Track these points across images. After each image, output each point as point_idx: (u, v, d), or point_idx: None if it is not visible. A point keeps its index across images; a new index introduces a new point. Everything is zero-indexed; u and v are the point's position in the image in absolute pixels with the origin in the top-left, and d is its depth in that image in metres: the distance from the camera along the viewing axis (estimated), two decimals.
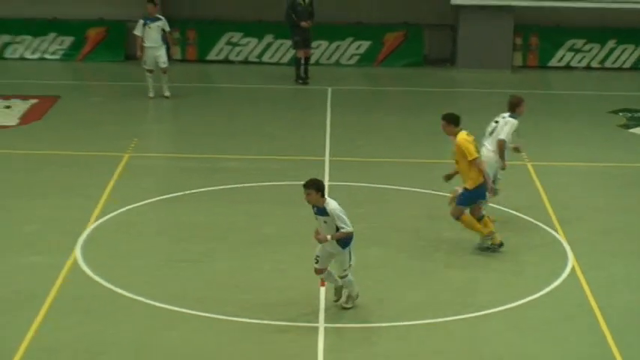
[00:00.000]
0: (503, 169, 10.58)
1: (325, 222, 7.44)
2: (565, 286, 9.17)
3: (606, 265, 9.92)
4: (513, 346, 7.86)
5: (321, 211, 7.40)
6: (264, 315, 7.92)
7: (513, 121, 10.44)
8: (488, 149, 10.38)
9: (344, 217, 7.48)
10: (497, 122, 10.64)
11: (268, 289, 8.60)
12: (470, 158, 9.46)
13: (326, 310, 8.29)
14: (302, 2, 17.25)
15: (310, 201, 7.34)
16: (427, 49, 19.46)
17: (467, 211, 9.86)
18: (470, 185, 9.44)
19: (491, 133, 10.60)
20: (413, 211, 11.46)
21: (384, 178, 12.57)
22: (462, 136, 9.52)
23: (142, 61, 15.82)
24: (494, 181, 10.33)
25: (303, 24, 16.76)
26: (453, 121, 9.66)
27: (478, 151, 9.74)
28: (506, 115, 10.59)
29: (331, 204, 7.45)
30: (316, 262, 7.66)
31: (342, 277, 7.82)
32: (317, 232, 7.60)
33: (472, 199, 9.67)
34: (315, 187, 7.38)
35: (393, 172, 12.57)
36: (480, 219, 9.87)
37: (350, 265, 7.78)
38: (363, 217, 10.20)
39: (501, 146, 10.33)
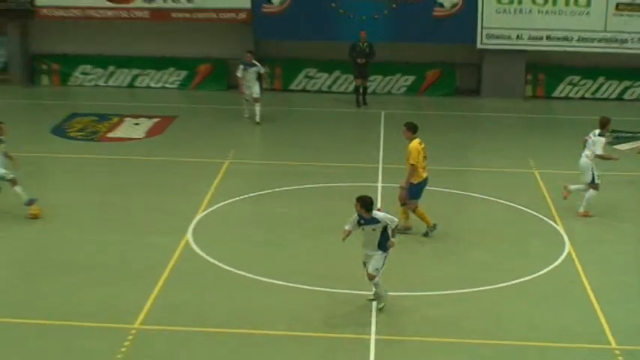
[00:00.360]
0: (616, 159, 13.53)
1: (374, 230, 8.48)
2: (562, 267, 11.21)
3: (596, 251, 12.25)
4: (522, 312, 9.88)
5: (370, 221, 8.39)
6: (336, 284, 9.75)
7: (602, 139, 12.70)
8: (585, 155, 12.76)
9: (391, 216, 8.78)
10: (589, 137, 12.87)
11: (336, 265, 10.37)
12: (410, 162, 11.14)
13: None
14: (360, 45, 20.20)
15: (356, 210, 8.40)
16: (458, 83, 22.25)
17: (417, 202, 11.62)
18: (415, 180, 11.21)
19: (585, 145, 13.00)
20: (442, 207, 13.47)
21: None
22: (415, 143, 11.22)
23: (242, 93, 18.68)
24: (593, 180, 12.64)
25: (359, 61, 19.85)
26: (411, 129, 11.33)
27: (419, 160, 11.45)
28: (597, 132, 12.83)
29: (379, 214, 8.62)
30: (365, 266, 8.79)
31: (371, 278, 8.80)
32: (392, 243, 8.70)
33: (418, 191, 11.47)
34: (360, 202, 8.47)
35: (430, 176, 13.03)
36: (403, 206, 11.67)
37: (381, 267, 8.84)
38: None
39: (602, 157, 12.66)
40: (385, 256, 8.66)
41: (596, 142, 12.97)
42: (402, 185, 11.33)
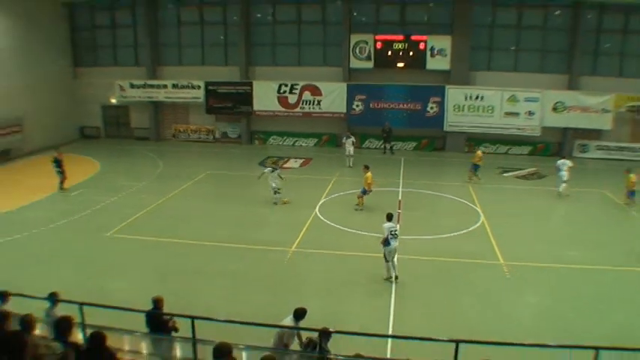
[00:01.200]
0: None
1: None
2: (478, 228, 21.01)
3: (497, 221, 21.77)
4: (452, 246, 19.14)
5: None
6: None
7: (567, 163, 25.59)
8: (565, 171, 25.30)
9: (385, 231, 15.22)
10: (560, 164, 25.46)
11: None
12: (364, 184, 22.91)
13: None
14: (385, 127, 34.34)
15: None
16: (436, 145, 36.42)
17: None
18: (367, 187, 22.83)
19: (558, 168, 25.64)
20: (417, 201, 24.68)
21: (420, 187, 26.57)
22: (369, 174, 22.81)
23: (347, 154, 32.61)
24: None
25: (384, 134, 34.65)
26: (366, 168, 23.07)
27: (369, 184, 22.87)
28: (564, 160, 25.62)
29: (384, 225, 15.18)
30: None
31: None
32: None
33: (365, 192, 22.90)
34: (386, 216, 15.38)
35: (411, 185, 25.70)
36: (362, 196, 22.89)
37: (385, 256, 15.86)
38: (416, 208, 23.45)
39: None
40: (385, 250, 16.04)
41: (566, 163, 25.48)
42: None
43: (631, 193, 24.41)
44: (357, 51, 36.09)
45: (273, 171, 24.04)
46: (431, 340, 9.82)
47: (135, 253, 18.82)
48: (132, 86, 38.51)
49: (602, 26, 35.09)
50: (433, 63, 35.93)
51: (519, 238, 20.90)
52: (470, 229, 21.40)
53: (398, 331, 13.36)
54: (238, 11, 36.55)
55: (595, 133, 36.03)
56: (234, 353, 7.29)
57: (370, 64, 36.10)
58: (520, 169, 32.09)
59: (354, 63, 36.18)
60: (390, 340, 12.64)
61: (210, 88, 37.09)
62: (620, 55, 35.23)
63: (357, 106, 36.46)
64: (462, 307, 15.24)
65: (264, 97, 36.48)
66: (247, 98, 36.58)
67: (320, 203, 23.97)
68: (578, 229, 22.78)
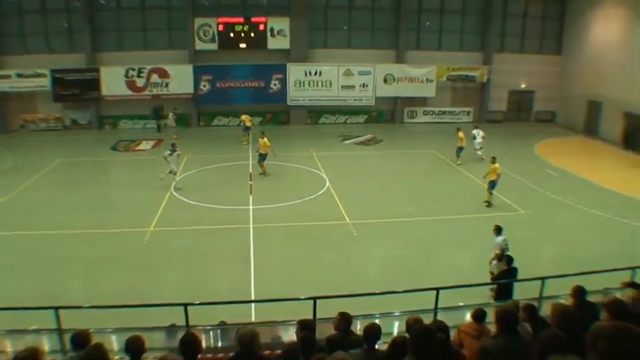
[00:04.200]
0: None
1: None
2: (325, 192, 23.86)
3: (340, 185, 24.61)
4: (306, 211, 21.53)
5: None
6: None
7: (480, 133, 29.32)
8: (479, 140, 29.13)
9: (498, 246, 14.85)
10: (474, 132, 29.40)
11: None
12: (262, 150, 25.68)
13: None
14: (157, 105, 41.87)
15: None
16: (282, 118, 40.25)
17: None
18: (264, 151, 25.62)
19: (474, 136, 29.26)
20: (281, 170, 27.46)
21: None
22: (265, 139, 25.44)
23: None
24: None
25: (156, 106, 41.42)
26: (262, 134, 26.12)
27: (266, 148, 25.41)
28: (476, 131, 29.48)
29: (497, 239, 15.01)
30: None
31: None
32: None
33: (263, 158, 25.71)
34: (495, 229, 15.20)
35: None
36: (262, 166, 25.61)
37: None
38: (266, 179, 26.56)
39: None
40: None
41: (480, 132, 29.21)
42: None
43: (459, 149, 28.46)
44: (202, 34, 37.68)
45: (172, 153, 24.36)
46: (290, 299, 10.45)
47: None
48: None
49: (422, 6, 40.49)
50: (274, 42, 38.53)
51: (362, 198, 23.31)
52: (318, 194, 23.61)
53: (260, 296, 14.29)
54: None
55: (421, 101, 41.47)
56: (103, 338, 7.87)
57: (215, 46, 37.79)
58: (359, 136, 35.82)
59: (199, 45, 37.69)
60: (253, 305, 13.47)
61: (56, 76, 36.60)
62: (439, 31, 40.93)
63: (205, 86, 38.10)
64: (317, 267, 16.92)
65: (113, 82, 36.76)
66: (95, 84, 36.62)
67: (174, 182, 24.68)
68: (413, 186, 25.90)
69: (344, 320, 7.27)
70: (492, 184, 22.45)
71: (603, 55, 36.91)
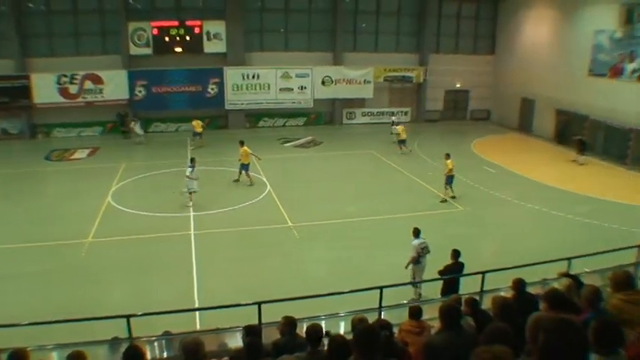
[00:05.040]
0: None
1: None
2: (266, 196, 23.93)
3: (282, 189, 24.47)
4: (253, 215, 21.51)
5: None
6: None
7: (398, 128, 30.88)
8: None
9: (414, 249, 14.56)
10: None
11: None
12: (243, 160, 24.76)
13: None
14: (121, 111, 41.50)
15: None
16: (220, 122, 40.04)
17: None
18: (244, 161, 24.85)
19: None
20: (214, 177, 29.56)
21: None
22: (244, 148, 24.79)
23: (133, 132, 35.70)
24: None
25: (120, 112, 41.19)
26: (241, 143, 25.17)
27: (247, 157, 24.71)
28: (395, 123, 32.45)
29: (413, 242, 14.44)
30: None
31: None
32: None
33: (246, 168, 24.89)
34: (413, 232, 14.91)
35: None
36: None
37: None
38: (207, 184, 24.48)
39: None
40: None
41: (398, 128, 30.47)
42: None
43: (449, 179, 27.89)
44: (136, 38, 36.95)
45: (192, 169, 22.58)
46: (235, 305, 10.23)
47: None
48: None
49: (358, 8, 41.00)
50: (210, 46, 38.16)
51: (304, 201, 23.41)
52: (259, 198, 23.61)
53: (204, 303, 14.16)
54: (7, 1, 34.58)
55: (360, 102, 42.03)
56: (44, 355, 7.69)
57: (149, 51, 37.07)
58: (298, 139, 35.89)
59: (134, 50, 36.92)
60: (197, 313, 13.35)
61: None
62: (376, 33, 41.56)
63: (140, 92, 37.23)
64: (261, 271, 16.91)
65: (44, 89, 35.30)
66: (26, 91, 35.08)
67: (112, 191, 24.43)
68: (354, 187, 26.12)
69: (288, 324, 7.35)
70: (449, 180, 23.34)
71: (535, 55, 38.35)
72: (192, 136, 34.13)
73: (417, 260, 14.62)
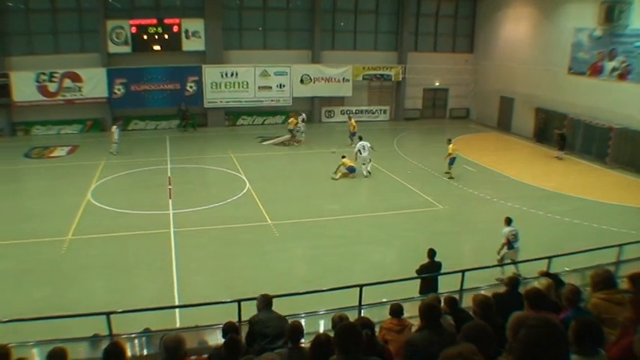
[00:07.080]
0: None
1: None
2: (246, 193, 23.91)
3: (260, 185, 24.69)
4: (230, 213, 21.38)
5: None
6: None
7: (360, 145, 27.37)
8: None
9: (505, 236, 15.66)
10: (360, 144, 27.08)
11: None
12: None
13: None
14: (181, 106, 41.78)
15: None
16: (200, 120, 40.66)
17: None
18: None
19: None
20: (194, 175, 29.99)
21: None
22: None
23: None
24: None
25: (180, 107, 41.37)
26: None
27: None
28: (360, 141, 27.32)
29: (504, 229, 15.71)
30: None
31: None
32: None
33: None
34: (505, 220, 15.88)
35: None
36: None
37: None
38: (186, 182, 29.26)
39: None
40: None
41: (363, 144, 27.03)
42: None
43: (353, 135, 28.89)
44: (114, 36, 36.83)
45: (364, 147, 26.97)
46: (215, 303, 10.32)
47: None
48: None
49: (336, 6, 41.22)
50: (189, 44, 38.15)
51: (283, 199, 23.40)
52: (238, 195, 23.57)
53: (184, 301, 14.19)
54: None
55: (338, 100, 42.23)
56: (25, 352, 7.69)
57: (128, 49, 36.96)
58: (277, 137, 35.88)
59: (113, 48, 36.82)
60: (177, 310, 13.33)
61: None
62: (354, 31, 41.85)
63: (119, 90, 37.11)
64: (241, 269, 16.86)
65: (23, 87, 35.02)
66: (5, 90, 34.62)
67: (92, 188, 24.32)
68: (334, 185, 26.09)
69: (264, 300, 7.75)
70: (451, 161, 26.44)
71: (514, 53, 38.82)
72: (294, 132, 35.69)
73: (510, 245, 15.87)
